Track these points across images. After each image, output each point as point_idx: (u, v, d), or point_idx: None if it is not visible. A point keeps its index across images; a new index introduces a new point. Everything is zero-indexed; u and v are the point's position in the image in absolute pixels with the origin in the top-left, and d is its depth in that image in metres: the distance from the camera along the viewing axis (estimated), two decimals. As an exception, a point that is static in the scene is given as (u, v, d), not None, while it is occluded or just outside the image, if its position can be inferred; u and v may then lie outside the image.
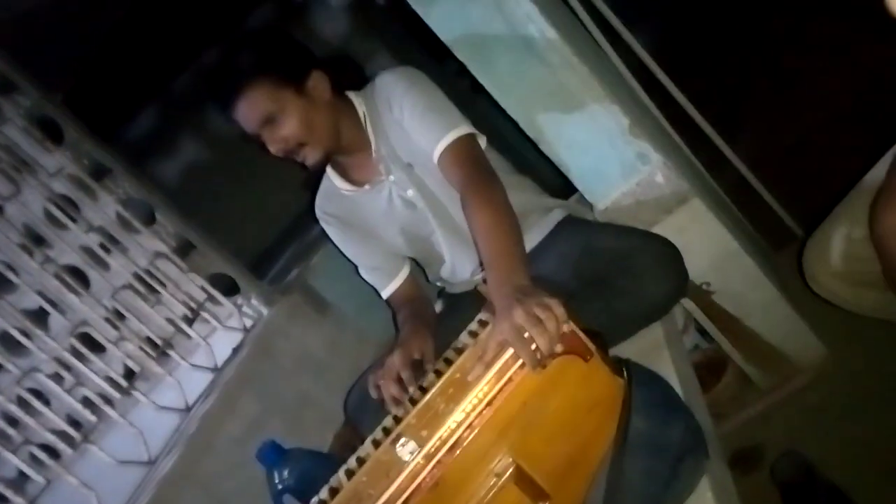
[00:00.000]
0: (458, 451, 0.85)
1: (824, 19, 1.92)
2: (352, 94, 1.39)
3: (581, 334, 0.91)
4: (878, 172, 1.15)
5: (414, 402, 1.01)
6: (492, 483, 0.87)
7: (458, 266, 1.44)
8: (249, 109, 1.27)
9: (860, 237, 1.13)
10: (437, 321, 1.42)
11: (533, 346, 0.87)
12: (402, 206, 1.40)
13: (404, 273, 1.49)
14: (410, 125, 1.32)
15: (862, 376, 1.44)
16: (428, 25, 1.36)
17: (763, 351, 1.54)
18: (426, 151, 1.30)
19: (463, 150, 1.27)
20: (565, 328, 0.88)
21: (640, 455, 0.86)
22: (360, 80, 1.42)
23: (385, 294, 1.49)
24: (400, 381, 1.13)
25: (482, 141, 1.33)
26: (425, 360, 1.19)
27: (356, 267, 1.52)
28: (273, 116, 1.26)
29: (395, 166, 1.37)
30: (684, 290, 1.27)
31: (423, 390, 1.02)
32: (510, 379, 0.89)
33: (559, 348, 0.89)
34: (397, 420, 1.01)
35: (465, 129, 1.29)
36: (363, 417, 1.34)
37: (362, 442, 1.02)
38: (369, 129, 1.36)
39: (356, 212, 1.46)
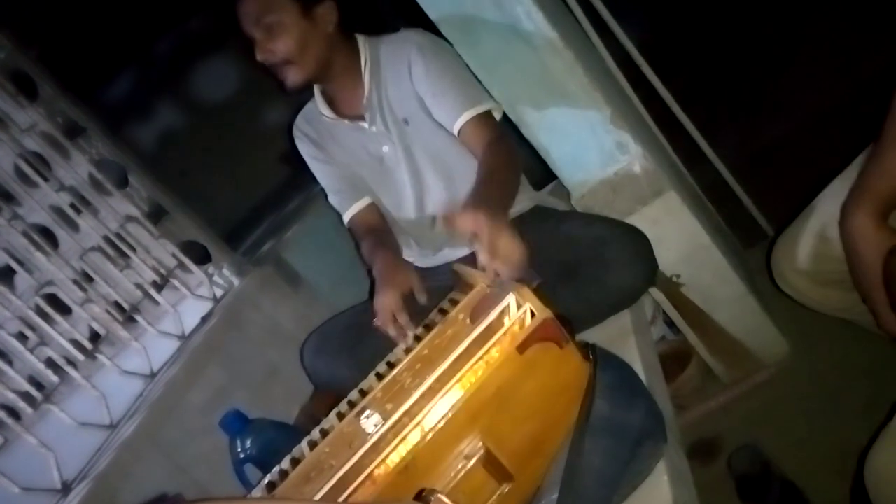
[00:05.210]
0: (430, 435, 0.85)
1: (807, 27, 1.95)
2: (360, 38, 1.40)
3: (558, 322, 0.92)
4: (849, 174, 1.16)
5: (381, 377, 1.02)
6: (460, 465, 0.87)
7: (419, 235, 1.46)
8: (252, 7, 1.29)
9: (828, 237, 1.14)
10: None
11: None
12: (370, 158, 1.42)
13: (367, 199, 1.48)
14: (433, 90, 1.34)
15: (822, 375, 1.47)
16: (416, 2, 1.35)
17: (728, 345, 1.56)
18: (445, 118, 1.33)
19: (490, 121, 1.34)
20: (546, 315, 0.89)
21: (600, 436, 0.87)
22: (373, 28, 1.43)
23: (346, 217, 1.48)
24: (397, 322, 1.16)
25: (497, 114, 1.38)
26: (415, 291, 1.21)
27: (325, 196, 1.52)
28: (270, 25, 1.29)
29: (382, 119, 1.38)
30: (653, 280, 1.28)
31: (391, 365, 1.03)
32: (483, 359, 0.89)
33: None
34: (363, 393, 1.01)
35: (491, 104, 1.35)
36: (320, 363, 1.37)
37: (318, 395, 1.02)
38: (366, 75, 1.38)
39: (329, 138, 1.47)
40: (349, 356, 1.30)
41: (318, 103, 1.45)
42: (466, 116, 1.31)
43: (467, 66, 1.38)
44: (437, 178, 1.40)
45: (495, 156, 1.26)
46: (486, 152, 1.27)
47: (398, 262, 1.31)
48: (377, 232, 1.44)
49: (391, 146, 1.39)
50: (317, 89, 1.45)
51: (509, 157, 1.27)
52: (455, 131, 1.33)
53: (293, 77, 1.33)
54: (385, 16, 1.81)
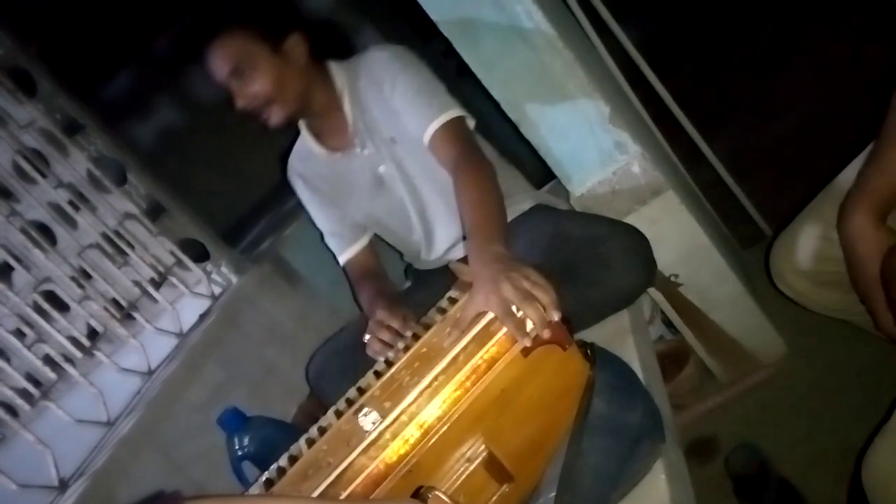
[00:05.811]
0: (433, 438, 0.85)
1: (807, 27, 1.95)
2: (333, 64, 1.38)
3: (563, 324, 0.91)
4: (848, 175, 1.16)
5: (379, 374, 1.02)
6: (463, 468, 0.87)
7: (427, 247, 1.45)
8: (221, 58, 1.28)
9: (827, 237, 1.15)
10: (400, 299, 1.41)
11: (520, 314, 0.88)
12: (369, 181, 1.41)
13: (363, 242, 1.49)
14: (402, 105, 1.32)
15: (820, 375, 1.47)
16: (417, 1, 1.35)
17: (725, 345, 1.56)
18: (415, 132, 1.30)
19: (455, 131, 1.29)
20: (555, 316, 0.89)
21: (599, 435, 0.87)
22: (344, 52, 1.41)
23: (342, 259, 1.48)
24: (390, 329, 1.15)
25: (471, 122, 1.34)
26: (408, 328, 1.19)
27: (321, 235, 1.52)
28: (243, 70, 1.27)
29: (372, 141, 1.37)
30: (652, 280, 1.28)
31: (389, 364, 1.03)
32: (482, 358, 0.89)
33: (547, 333, 0.89)
34: (361, 391, 1.01)
35: (456, 111, 1.30)
36: (324, 384, 1.35)
37: (325, 410, 1.02)
38: (346, 102, 1.36)
39: (324, 175, 1.46)
40: (353, 377, 1.29)
41: (307, 141, 1.44)
42: (431, 130, 1.28)
43: (470, 69, 1.36)
44: (434, 192, 1.39)
45: (469, 183, 1.18)
46: (458, 177, 1.22)
47: (399, 304, 1.26)
48: (374, 278, 1.43)
49: (386, 165, 1.38)
50: (303, 126, 1.44)
51: (483, 180, 1.18)
52: (426, 146, 1.30)
53: (275, 117, 1.31)
54: (386, 17, 1.81)
